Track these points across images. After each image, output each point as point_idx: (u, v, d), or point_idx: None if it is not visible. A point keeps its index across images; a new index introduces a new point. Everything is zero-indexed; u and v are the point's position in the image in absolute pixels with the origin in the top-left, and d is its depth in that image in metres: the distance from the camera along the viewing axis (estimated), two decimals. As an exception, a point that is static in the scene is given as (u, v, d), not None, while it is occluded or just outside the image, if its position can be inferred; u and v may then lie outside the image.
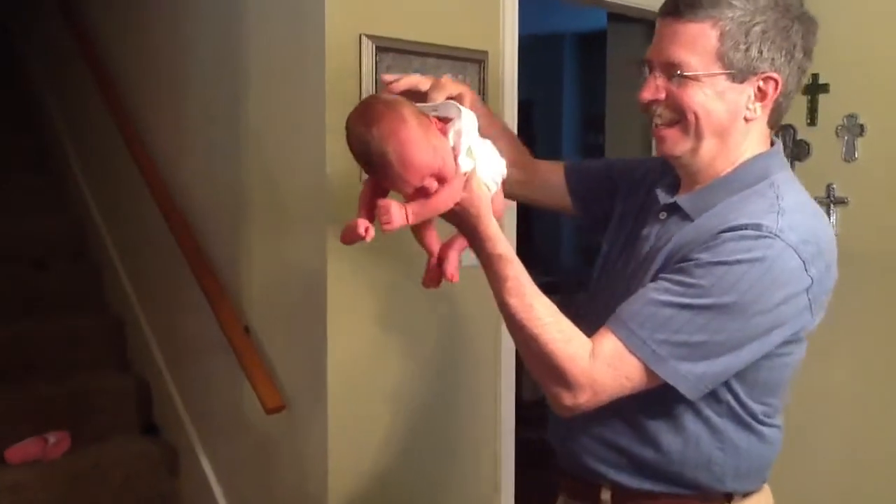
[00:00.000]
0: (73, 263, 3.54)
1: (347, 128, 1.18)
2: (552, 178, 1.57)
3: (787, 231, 1.14)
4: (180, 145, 2.83)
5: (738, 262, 1.13)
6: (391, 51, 2.09)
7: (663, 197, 1.30)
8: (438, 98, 1.31)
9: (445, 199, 1.17)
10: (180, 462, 2.85)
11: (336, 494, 2.13)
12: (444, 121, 1.20)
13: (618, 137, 3.24)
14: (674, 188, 1.31)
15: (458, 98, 1.34)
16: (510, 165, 1.36)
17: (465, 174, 1.18)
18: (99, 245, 3.47)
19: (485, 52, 2.28)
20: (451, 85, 1.36)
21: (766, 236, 1.13)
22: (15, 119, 3.99)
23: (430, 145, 1.14)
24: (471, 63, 2.25)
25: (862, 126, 2.54)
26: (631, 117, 3.16)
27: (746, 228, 1.15)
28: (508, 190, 1.37)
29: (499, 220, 1.24)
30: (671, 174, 1.33)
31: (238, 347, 2.31)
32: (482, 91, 2.27)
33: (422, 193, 1.16)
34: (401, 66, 2.11)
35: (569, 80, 5.52)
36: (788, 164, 1.29)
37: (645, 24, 2.99)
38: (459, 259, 1.30)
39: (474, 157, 1.19)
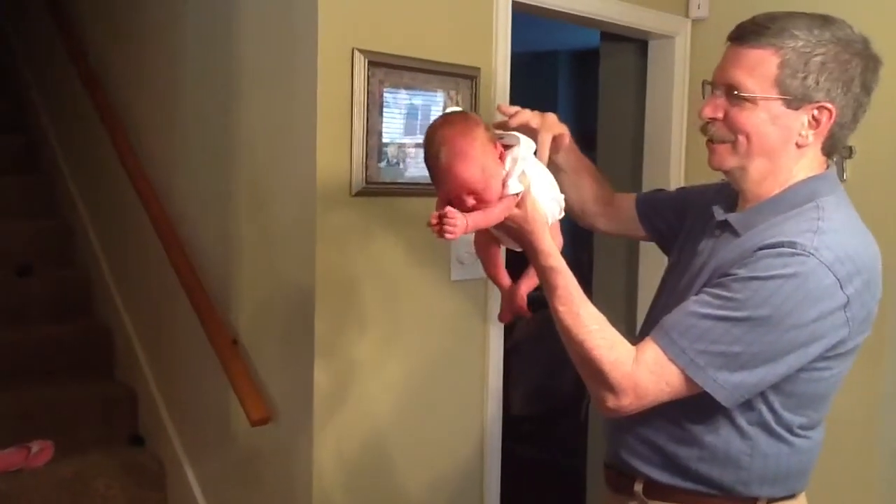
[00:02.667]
0: (59, 269, 3.50)
1: (431, 124, 1.34)
2: (624, 207, 1.69)
3: (823, 250, 1.20)
4: (171, 154, 2.82)
5: (773, 277, 1.20)
6: (383, 66, 2.09)
7: (718, 214, 1.37)
8: (546, 136, 1.47)
9: (499, 215, 1.29)
10: (166, 474, 2.83)
11: (321, 508, 2.12)
12: (508, 148, 1.32)
13: (609, 155, 3.24)
14: (731, 207, 1.39)
15: (559, 137, 1.52)
16: (592, 200, 1.57)
17: (516, 195, 1.29)
18: (87, 251, 3.45)
19: (477, 69, 2.28)
20: (556, 124, 1.52)
21: (800, 254, 1.20)
22: (3, 120, 3.97)
23: (480, 165, 1.27)
24: (463, 79, 2.25)
25: (850, 148, 2.56)
26: (622, 135, 3.17)
27: (783, 246, 1.21)
28: (590, 223, 1.62)
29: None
30: (733, 194, 1.40)
31: (225, 359, 2.30)
32: (474, 107, 2.28)
33: (458, 205, 1.28)
34: (393, 81, 2.12)
35: (562, 97, 5.55)
36: (840, 188, 1.34)
37: (637, 43, 3.01)
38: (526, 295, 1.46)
39: (527, 181, 1.30)
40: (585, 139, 1.65)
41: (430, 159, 1.30)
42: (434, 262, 2.27)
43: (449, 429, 2.37)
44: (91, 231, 3.44)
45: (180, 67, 2.73)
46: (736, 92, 1.27)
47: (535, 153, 1.41)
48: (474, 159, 1.26)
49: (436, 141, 1.29)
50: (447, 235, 1.24)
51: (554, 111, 1.56)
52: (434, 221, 1.25)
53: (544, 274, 1.31)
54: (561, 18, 2.62)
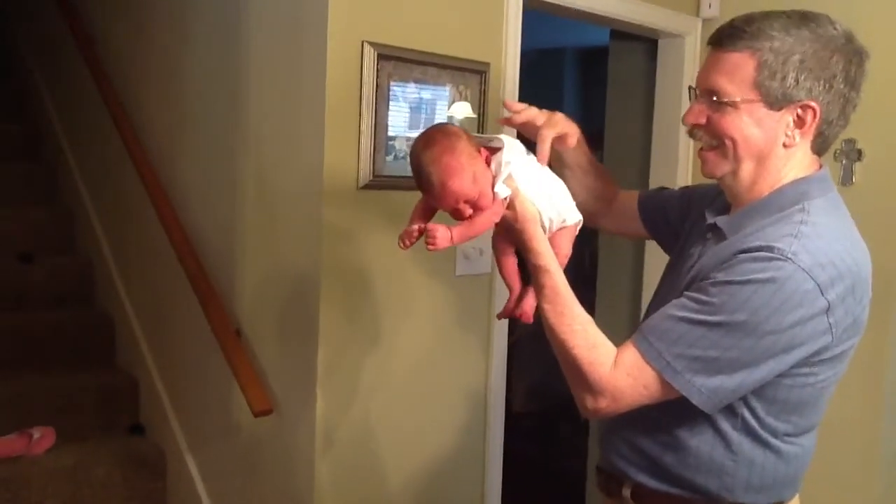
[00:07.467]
0: (61, 256, 3.50)
1: (413, 145, 1.37)
2: (626, 205, 1.67)
3: (802, 254, 1.18)
4: (177, 144, 2.81)
5: (749, 282, 1.18)
6: (393, 59, 2.09)
7: (709, 217, 1.37)
8: (549, 133, 1.45)
9: (484, 223, 1.32)
10: (167, 462, 2.83)
11: (322, 500, 2.12)
12: (493, 151, 1.35)
13: (616, 154, 3.24)
14: (723, 210, 1.38)
15: (564, 136, 1.48)
16: (595, 199, 1.56)
17: (505, 199, 1.32)
18: (89, 238, 3.45)
19: (486, 64, 2.28)
20: (562, 122, 1.49)
21: (777, 258, 1.18)
22: (7, 106, 3.96)
23: (470, 175, 1.30)
24: (472, 74, 2.25)
25: (860, 151, 2.55)
26: (630, 134, 3.16)
27: (761, 250, 1.19)
28: (594, 222, 1.59)
29: (563, 264, 1.36)
30: (724, 196, 1.38)
31: (228, 349, 2.30)
32: (483, 103, 2.27)
33: (457, 214, 1.33)
34: (402, 75, 2.11)
35: (569, 95, 5.53)
36: (832, 190, 1.32)
37: (647, 42, 3.00)
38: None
39: (514, 183, 1.32)
40: (591, 138, 1.63)
41: (423, 182, 1.32)
42: (439, 257, 2.26)
43: (451, 424, 2.37)
44: (94, 218, 3.43)
45: (189, 56, 2.72)
46: (715, 98, 1.27)
47: (532, 152, 1.41)
48: (464, 171, 1.29)
49: (423, 163, 1.31)
50: (429, 248, 1.29)
51: (560, 109, 1.54)
52: (413, 238, 1.32)
53: (534, 272, 1.33)
54: (572, 16, 2.61)
